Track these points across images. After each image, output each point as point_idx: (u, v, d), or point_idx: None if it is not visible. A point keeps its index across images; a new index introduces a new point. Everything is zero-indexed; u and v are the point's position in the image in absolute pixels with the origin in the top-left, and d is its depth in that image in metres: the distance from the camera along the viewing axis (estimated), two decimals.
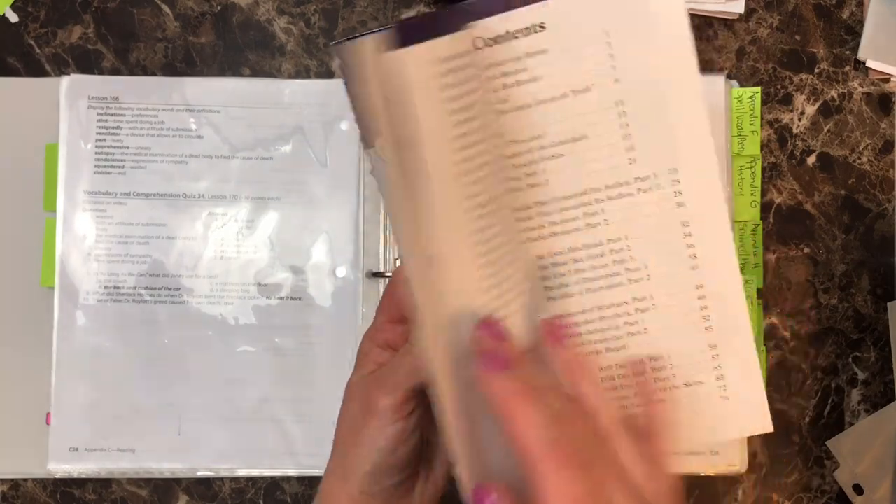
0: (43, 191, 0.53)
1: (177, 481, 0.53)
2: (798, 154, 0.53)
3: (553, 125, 0.35)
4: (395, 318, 0.40)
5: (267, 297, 0.53)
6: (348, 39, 0.36)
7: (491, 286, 0.34)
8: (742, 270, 0.52)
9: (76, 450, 0.52)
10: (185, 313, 0.52)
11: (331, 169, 0.53)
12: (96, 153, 0.53)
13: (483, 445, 0.33)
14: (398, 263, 0.41)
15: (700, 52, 0.54)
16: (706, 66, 0.53)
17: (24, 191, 0.53)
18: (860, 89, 0.54)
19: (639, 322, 0.37)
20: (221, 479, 0.53)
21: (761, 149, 0.53)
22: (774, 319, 0.53)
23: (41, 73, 0.54)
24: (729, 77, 0.53)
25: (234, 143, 0.53)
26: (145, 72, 0.54)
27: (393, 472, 0.38)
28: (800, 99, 0.54)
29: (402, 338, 0.40)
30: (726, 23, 0.53)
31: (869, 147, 0.53)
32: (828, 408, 0.53)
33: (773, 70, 0.54)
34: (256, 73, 0.54)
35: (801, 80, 0.54)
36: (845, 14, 0.54)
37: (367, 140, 0.38)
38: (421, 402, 0.38)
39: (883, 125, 0.53)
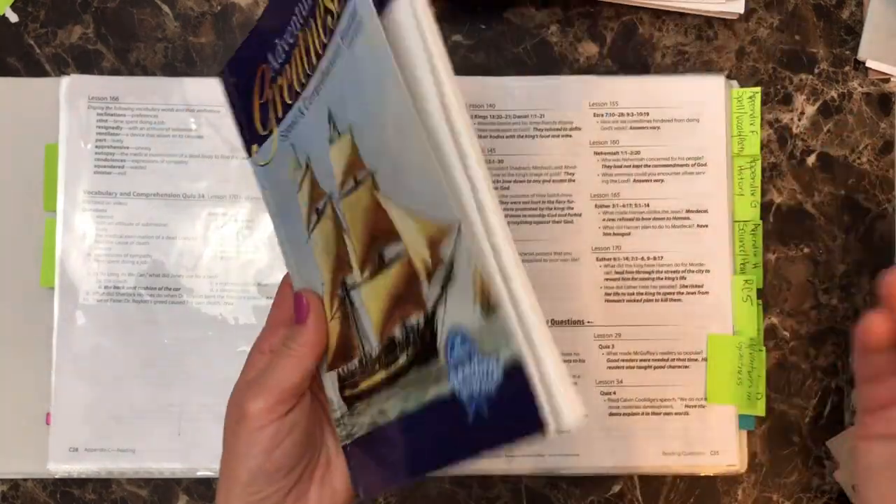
0: (43, 191, 0.53)
1: (177, 481, 0.53)
2: (798, 154, 0.53)
3: None
4: (284, 321, 0.39)
5: (267, 297, 0.53)
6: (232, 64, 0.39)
7: None
8: (742, 270, 0.52)
9: (76, 450, 0.52)
10: (185, 313, 0.52)
11: None
12: (96, 153, 0.53)
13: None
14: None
15: (700, 53, 0.54)
16: (706, 66, 0.53)
17: (24, 191, 0.53)
18: (860, 89, 0.54)
19: None
20: None
21: (761, 149, 0.53)
22: (774, 319, 0.53)
23: (41, 73, 0.54)
24: (729, 77, 0.53)
25: (234, 143, 0.53)
26: (145, 72, 0.54)
27: (273, 478, 0.36)
28: (800, 99, 0.54)
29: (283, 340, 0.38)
30: (726, 23, 0.53)
31: (869, 147, 0.53)
32: (828, 408, 0.53)
33: (773, 70, 0.54)
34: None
35: (800, 80, 0.54)
36: (845, 14, 0.54)
37: (247, 150, 0.41)
38: (300, 402, 0.37)
39: (883, 125, 0.53)
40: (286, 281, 0.40)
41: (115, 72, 0.54)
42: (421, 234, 0.30)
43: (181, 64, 0.54)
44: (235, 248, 0.53)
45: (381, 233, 0.33)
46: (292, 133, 0.37)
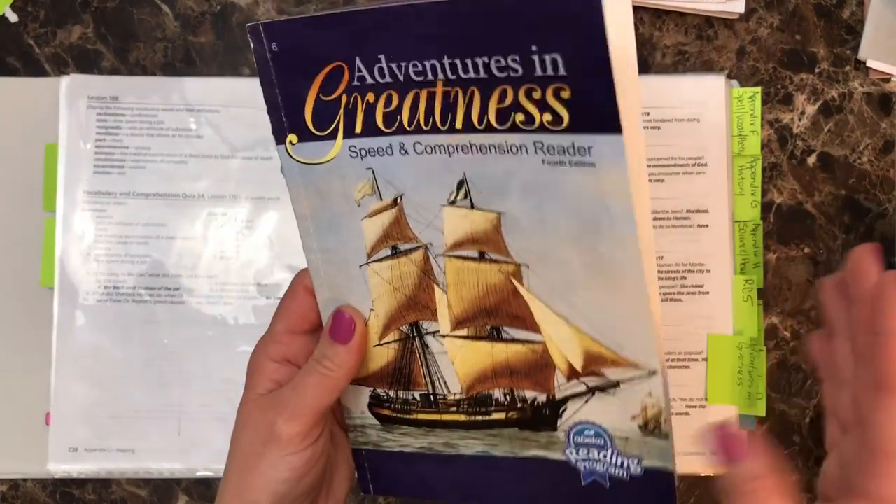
0: (42, 191, 0.53)
1: (176, 481, 0.53)
2: (798, 154, 0.53)
3: None
4: (295, 329, 0.36)
5: (267, 297, 0.53)
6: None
7: None
8: (742, 270, 0.52)
9: (76, 450, 0.52)
10: (185, 313, 0.52)
11: None
12: (96, 153, 0.53)
13: None
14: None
15: (700, 52, 0.53)
16: (706, 66, 0.53)
17: (24, 191, 0.53)
18: (860, 89, 0.53)
19: None
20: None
21: (762, 149, 0.53)
22: (774, 319, 0.53)
23: (41, 72, 0.54)
24: (729, 77, 0.53)
25: (234, 143, 0.53)
26: (145, 72, 0.54)
27: (297, 502, 0.35)
28: (800, 99, 0.53)
29: (304, 351, 0.36)
30: (726, 23, 0.53)
31: (869, 147, 0.53)
32: None
33: (774, 70, 0.53)
34: (256, 72, 0.54)
35: (801, 79, 0.53)
36: (846, 14, 0.54)
37: (278, 135, 0.36)
38: (328, 423, 0.36)
39: (883, 125, 0.53)
40: (301, 286, 0.37)
41: (114, 71, 0.54)
42: (578, 343, 0.34)
43: (181, 64, 0.54)
44: (235, 248, 0.53)
45: (505, 313, 0.35)
46: (376, 160, 0.34)
